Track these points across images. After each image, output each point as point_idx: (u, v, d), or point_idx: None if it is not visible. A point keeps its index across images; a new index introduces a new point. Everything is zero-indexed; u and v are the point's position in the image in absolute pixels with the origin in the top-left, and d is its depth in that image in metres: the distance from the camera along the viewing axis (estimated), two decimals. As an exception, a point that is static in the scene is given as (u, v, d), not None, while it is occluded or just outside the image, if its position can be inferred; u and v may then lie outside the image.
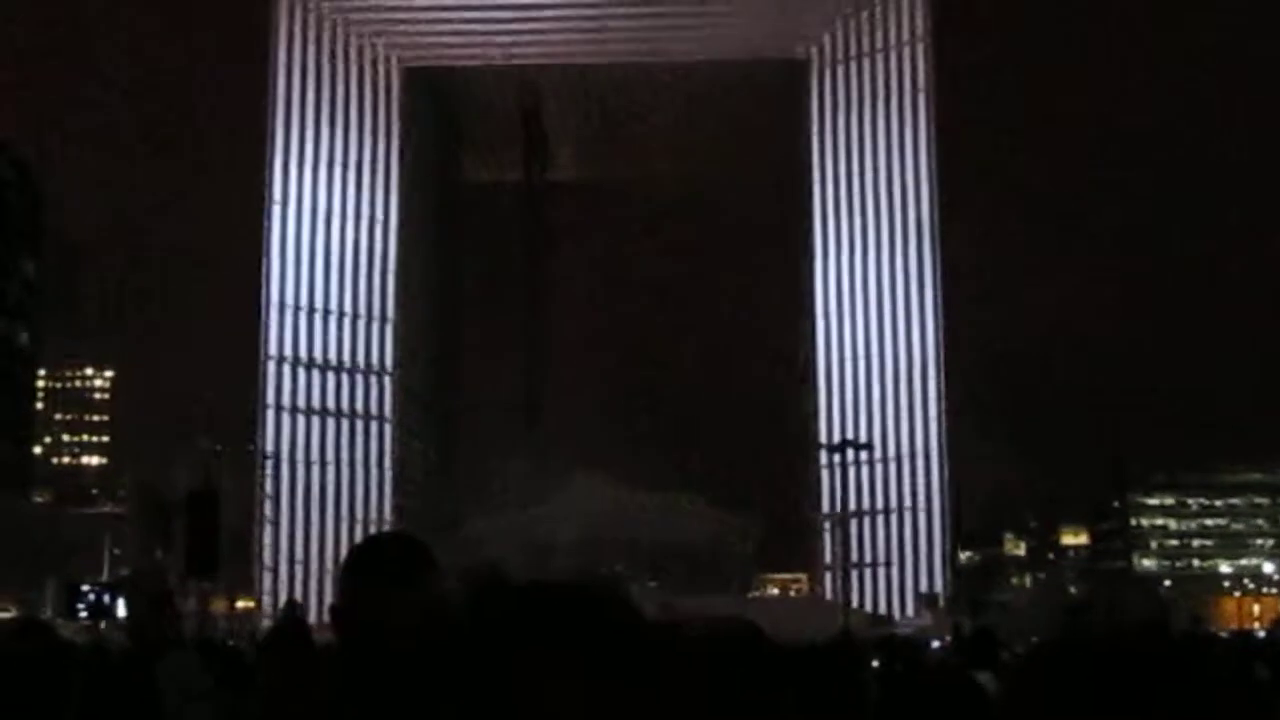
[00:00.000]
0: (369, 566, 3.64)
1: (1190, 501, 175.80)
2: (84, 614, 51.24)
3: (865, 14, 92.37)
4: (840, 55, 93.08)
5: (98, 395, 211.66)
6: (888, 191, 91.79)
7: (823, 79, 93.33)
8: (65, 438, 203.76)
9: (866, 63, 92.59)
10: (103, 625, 47.84)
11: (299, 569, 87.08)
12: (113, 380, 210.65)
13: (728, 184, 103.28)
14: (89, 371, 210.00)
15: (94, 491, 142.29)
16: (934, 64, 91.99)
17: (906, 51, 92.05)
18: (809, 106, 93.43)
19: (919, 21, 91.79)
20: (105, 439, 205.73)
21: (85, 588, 55.27)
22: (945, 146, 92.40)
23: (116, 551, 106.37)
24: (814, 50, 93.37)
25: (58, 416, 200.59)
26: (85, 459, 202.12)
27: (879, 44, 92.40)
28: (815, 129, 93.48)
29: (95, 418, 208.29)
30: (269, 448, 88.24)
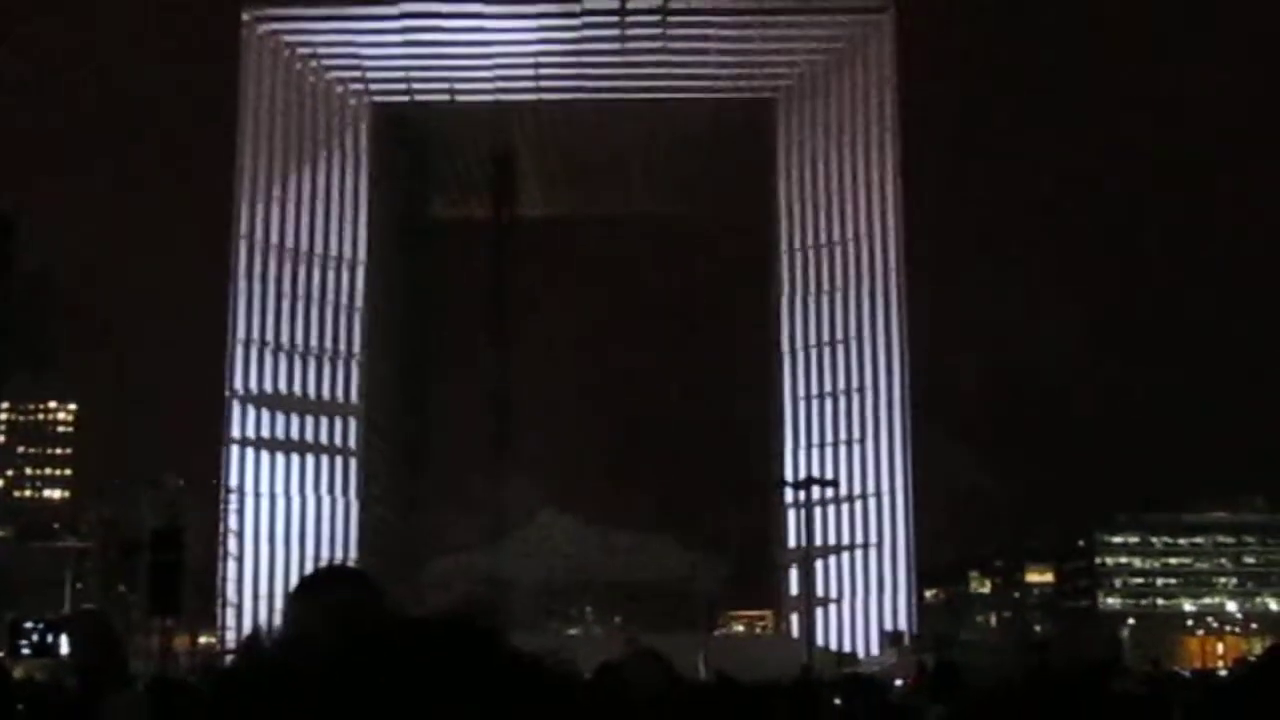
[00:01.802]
0: (306, 594, 3.70)
1: (1154, 540, 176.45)
2: (26, 651, 50.61)
3: (833, 54, 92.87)
4: (808, 94, 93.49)
5: (61, 429, 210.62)
6: (855, 230, 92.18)
7: (790, 118, 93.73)
8: (28, 471, 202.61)
9: (834, 102, 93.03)
10: (45, 662, 47.41)
11: (263, 604, 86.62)
12: (76, 414, 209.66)
13: (697, 221, 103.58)
14: (52, 405, 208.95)
15: (56, 526, 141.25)
16: (900, 103, 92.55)
17: (874, 91, 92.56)
18: (776, 145, 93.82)
19: (886, 61, 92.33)
20: (68, 473, 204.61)
21: (28, 625, 54.70)
22: (912, 186, 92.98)
23: (79, 586, 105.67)
24: (782, 88, 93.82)
25: (20, 450, 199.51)
26: (48, 493, 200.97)
27: (846, 83, 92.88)
28: (783, 167, 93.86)
29: (58, 451, 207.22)
30: (233, 483, 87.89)
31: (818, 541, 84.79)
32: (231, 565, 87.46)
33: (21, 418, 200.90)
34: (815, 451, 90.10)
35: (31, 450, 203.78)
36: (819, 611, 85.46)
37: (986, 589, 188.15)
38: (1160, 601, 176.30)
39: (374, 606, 3.44)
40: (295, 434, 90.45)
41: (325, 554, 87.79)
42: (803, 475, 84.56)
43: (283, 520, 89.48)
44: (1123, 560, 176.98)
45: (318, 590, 3.62)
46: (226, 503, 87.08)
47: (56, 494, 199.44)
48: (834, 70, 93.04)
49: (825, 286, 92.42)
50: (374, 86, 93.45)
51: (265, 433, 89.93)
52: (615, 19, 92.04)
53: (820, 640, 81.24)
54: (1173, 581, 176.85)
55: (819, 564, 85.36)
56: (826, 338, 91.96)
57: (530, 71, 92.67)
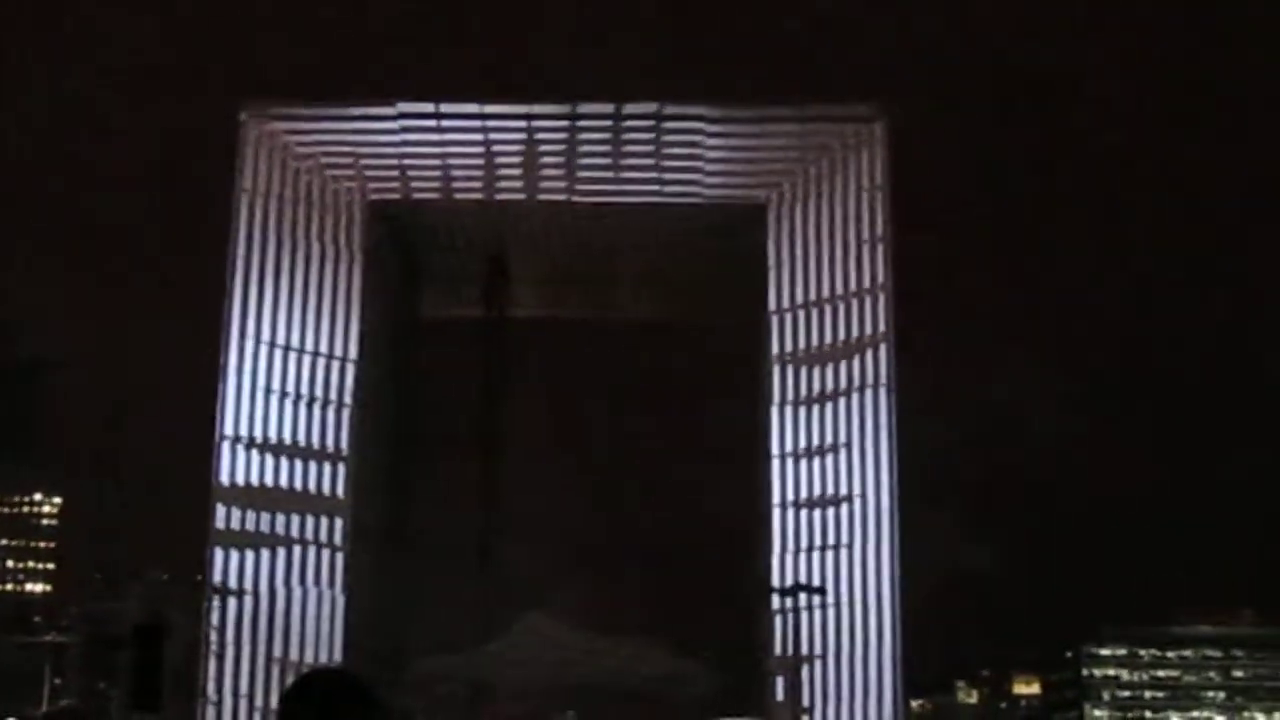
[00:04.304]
0: (301, 702, 3.63)
1: (1142, 652, 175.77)
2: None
3: (825, 160, 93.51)
4: (799, 199, 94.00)
5: (45, 522, 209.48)
6: (845, 336, 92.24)
7: (781, 223, 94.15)
8: (10, 564, 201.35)
9: (825, 207, 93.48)
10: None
11: (243, 703, 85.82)
12: (61, 507, 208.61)
13: (688, 325, 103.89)
14: (37, 497, 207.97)
15: (37, 620, 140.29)
16: (892, 210, 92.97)
17: (865, 197, 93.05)
18: (767, 250, 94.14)
19: (878, 168, 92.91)
20: (51, 566, 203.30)
21: (13, 722, 54.36)
22: (904, 292, 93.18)
23: (58, 682, 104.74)
24: (773, 195, 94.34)
25: (3, 542, 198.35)
26: (30, 586, 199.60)
27: (838, 189, 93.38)
28: (774, 273, 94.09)
29: (41, 545, 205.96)
30: (218, 578, 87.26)
31: (804, 648, 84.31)
32: (213, 662, 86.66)
33: (5, 510, 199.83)
34: (803, 556, 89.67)
35: (14, 543, 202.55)
36: (805, 719, 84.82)
37: (973, 699, 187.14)
38: (1148, 714, 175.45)
39: None
40: (281, 530, 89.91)
41: (310, 654, 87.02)
42: (790, 580, 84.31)
43: (266, 617, 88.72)
44: (1110, 672, 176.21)
45: (320, 701, 3.56)
46: (210, 599, 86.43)
47: (39, 587, 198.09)
48: (825, 176, 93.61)
49: (815, 392, 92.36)
50: (370, 184, 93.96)
51: (251, 528, 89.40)
52: (609, 122, 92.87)
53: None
54: (1160, 695, 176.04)
55: (805, 670, 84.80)
56: (816, 444, 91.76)
57: (524, 172, 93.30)
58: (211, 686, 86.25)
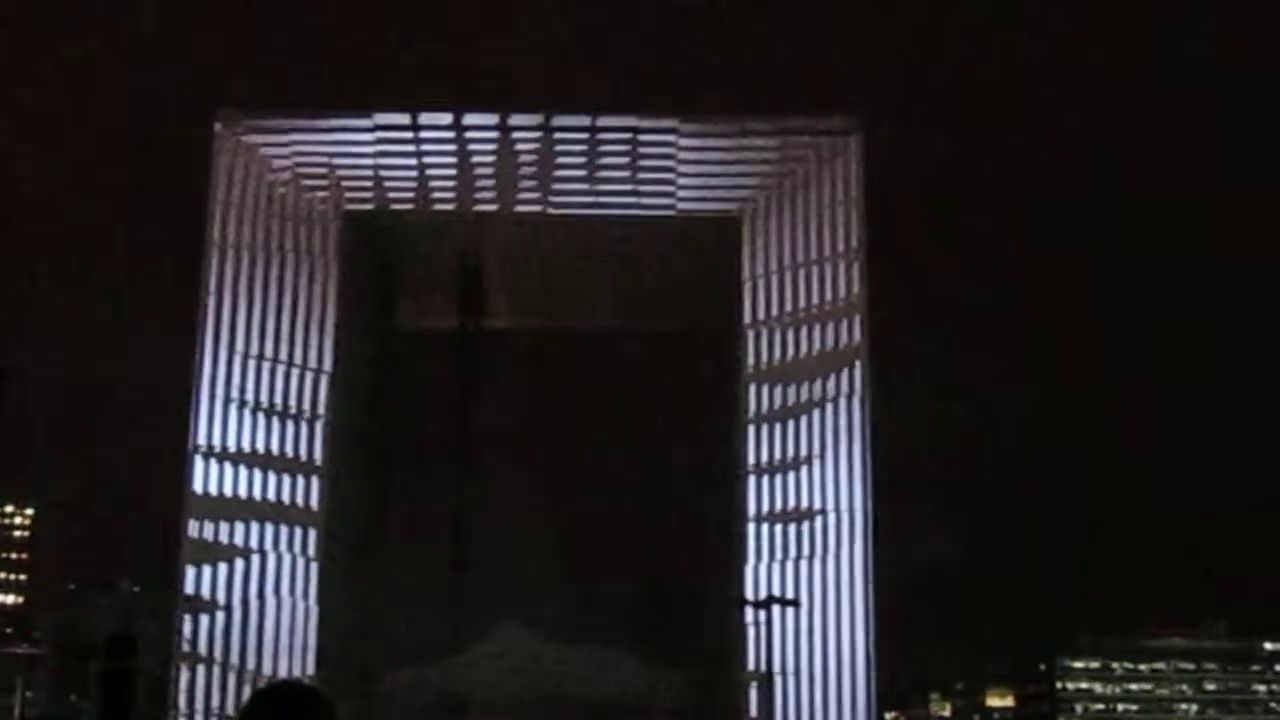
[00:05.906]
0: (259, 713, 3.64)
1: (1116, 665, 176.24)
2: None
3: (800, 173, 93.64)
4: (774, 212, 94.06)
5: (17, 533, 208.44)
6: (820, 349, 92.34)
7: (755, 236, 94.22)
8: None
9: (800, 220, 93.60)
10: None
11: (215, 715, 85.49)
12: (33, 519, 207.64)
13: (663, 337, 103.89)
14: (9, 509, 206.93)
15: (9, 631, 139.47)
16: (865, 223, 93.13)
17: (840, 210, 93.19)
18: (741, 262, 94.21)
19: (852, 180, 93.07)
20: (23, 578, 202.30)
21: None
22: (877, 304, 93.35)
23: (29, 694, 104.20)
24: (748, 207, 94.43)
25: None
26: (1, 598, 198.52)
27: (813, 202, 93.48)
28: (748, 285, 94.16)
29: (13, 556, 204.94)
30: (190, 591, 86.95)
31: (777, 659, 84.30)
32: (185, 674, 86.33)
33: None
34: (776, 568, 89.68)
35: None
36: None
37: (947, 712, 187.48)
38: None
39: None
40: (254, 541, 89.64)
41: (283, 666, 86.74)
42: (764, 593, 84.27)
43: (238, 629, 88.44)
44: (1084, 685, 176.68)
45: (279, 712, 3.57)
46: (182, 610, 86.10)
47: (10, 599, 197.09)
48: (800, 189, 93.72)
49: (790, 404, 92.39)
50: (345, 195, 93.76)
51: (224, 539, 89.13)
52: (585, 134, 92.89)
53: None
54: (1134, 708, 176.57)
55: (779, 683, 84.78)
56: (790, 456, 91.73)
57: (499, 183, 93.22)
58: (183, 698, 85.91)
